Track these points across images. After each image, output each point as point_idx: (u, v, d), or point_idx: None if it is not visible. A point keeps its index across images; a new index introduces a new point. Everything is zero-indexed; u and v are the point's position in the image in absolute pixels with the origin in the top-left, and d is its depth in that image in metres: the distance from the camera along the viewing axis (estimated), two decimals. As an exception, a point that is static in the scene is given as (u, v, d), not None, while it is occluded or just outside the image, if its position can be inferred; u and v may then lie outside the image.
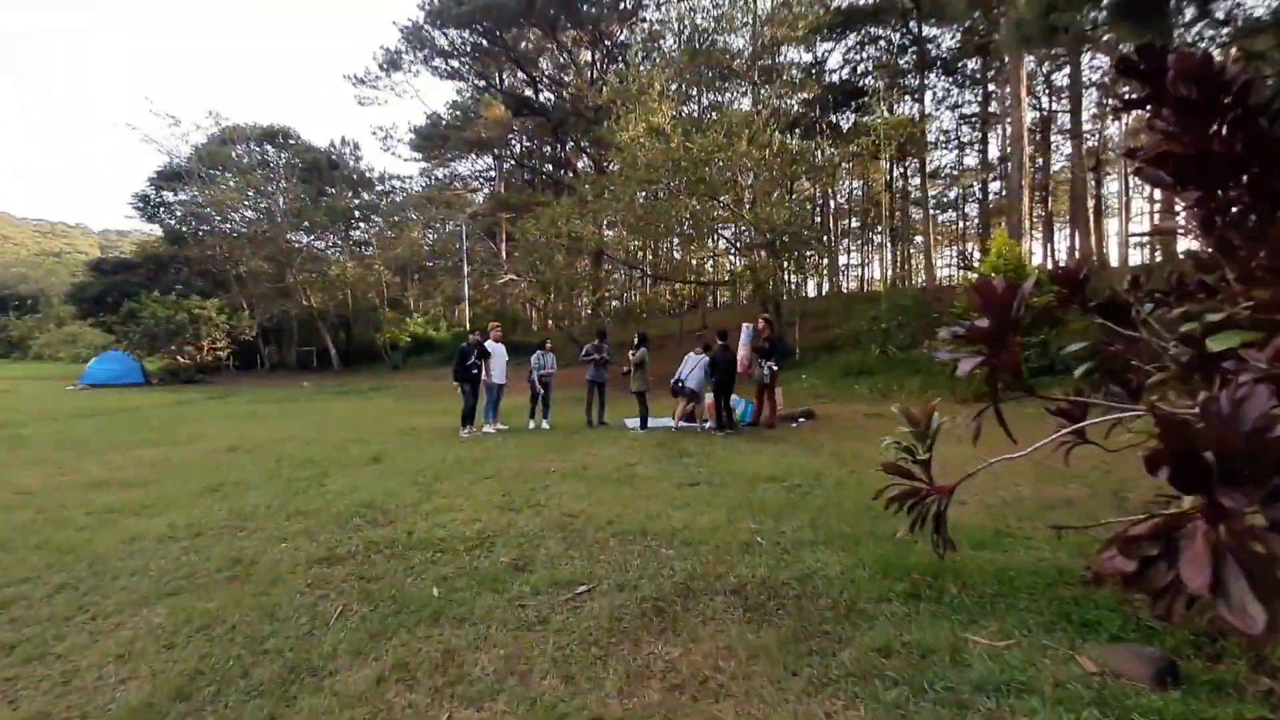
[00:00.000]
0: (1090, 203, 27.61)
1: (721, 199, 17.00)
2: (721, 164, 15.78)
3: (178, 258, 32.80)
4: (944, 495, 3.55)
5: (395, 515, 5.01)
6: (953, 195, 43.80)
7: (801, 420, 10.76)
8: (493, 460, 7.51)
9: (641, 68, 21.09)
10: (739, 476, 6.35)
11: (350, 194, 35.56)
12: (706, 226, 19.69)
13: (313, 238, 32.94)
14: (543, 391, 10.46)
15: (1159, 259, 23.62)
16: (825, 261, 27.13)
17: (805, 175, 19.08)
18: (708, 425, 10.04)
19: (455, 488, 6.00)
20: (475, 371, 9.80)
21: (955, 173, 41.06)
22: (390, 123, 66.67)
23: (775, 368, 9.93)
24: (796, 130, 25.69)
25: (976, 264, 15.62)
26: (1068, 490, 5.67)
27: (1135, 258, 32.63)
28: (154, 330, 25.39)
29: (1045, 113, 34.31)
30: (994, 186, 38.57)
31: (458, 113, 36.52)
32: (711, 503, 5.31)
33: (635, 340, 10.24)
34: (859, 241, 48.35)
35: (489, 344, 10.22)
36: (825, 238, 24.78)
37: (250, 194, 32.88)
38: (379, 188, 39.01)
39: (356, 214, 37.09)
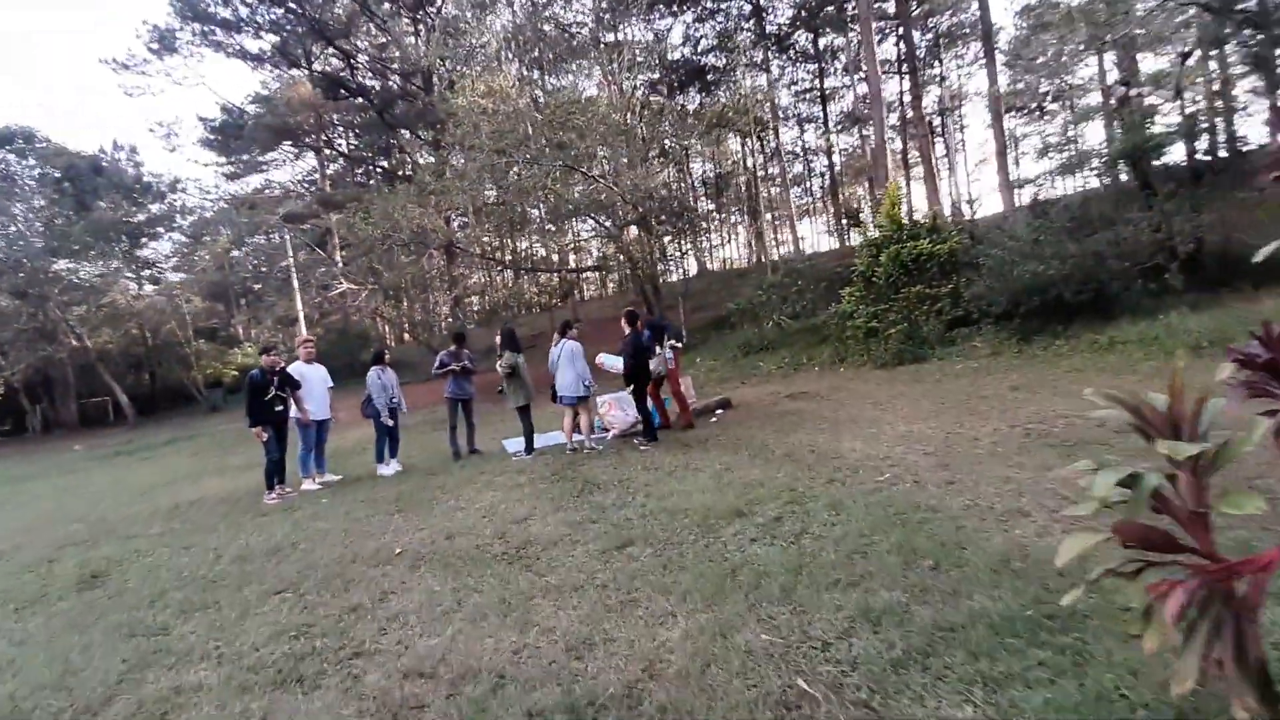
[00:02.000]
0: (935, 162, 28.70)
1: (584, 170, 14.80)
2: (580, 128, 13.59)
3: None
4: (1255, 580, 1.66)
5: (26, 759, 2.35)
6: (797, 170, 44.97)
7: (719, 412, 8.93)
8: (304, 543, 4.84)
9: (472, 38, 18.37)
10: (687, 517, 4.25)
11: (131, 206, 29.05)
12: (567, 208, 17.39)
13: (83, 263, 26.31)
14: (390, 424, 7.73)
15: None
16: (697, 235, 25.90)
17: (668, 140, 17.31)
18: (609, 435, 7.88)
19: (209, 629, 3.36)
20: (279, 409, 6.89)
21: (798, 150, 42.01)
22: (174, 116, 56.62)
23: (678, 344, 7.98)
24: (645, 112, 24.20)
25: (864, 219, 14.78)
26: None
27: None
28: None
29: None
30: (834, 160, 39.94)
31: (262, 107, 31.06)
32: (670, 588, 3.15)
33: (499, 340, 7.77)
34: (715, 221, 48.41)
35: (296, 368, 7.32)
36: (691, 213, 23.28)
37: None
38: (171, 197, 32.53)
39: (145, 229, 30.56)
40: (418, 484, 6.63)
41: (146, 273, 30.63)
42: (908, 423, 6.57)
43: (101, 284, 26.00)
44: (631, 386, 7.33)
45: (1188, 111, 10.47)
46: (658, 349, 7.82)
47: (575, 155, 13.46)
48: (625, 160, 14.73)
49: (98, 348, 26.21)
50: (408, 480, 6.92)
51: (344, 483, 7.32)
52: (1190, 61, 9.75)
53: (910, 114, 27.67)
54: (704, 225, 27.28)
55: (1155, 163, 10.71)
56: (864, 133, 32.32)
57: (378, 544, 4.57)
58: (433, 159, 24.97)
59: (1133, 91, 9.73)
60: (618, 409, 7.97)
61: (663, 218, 15.84)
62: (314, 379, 7.39)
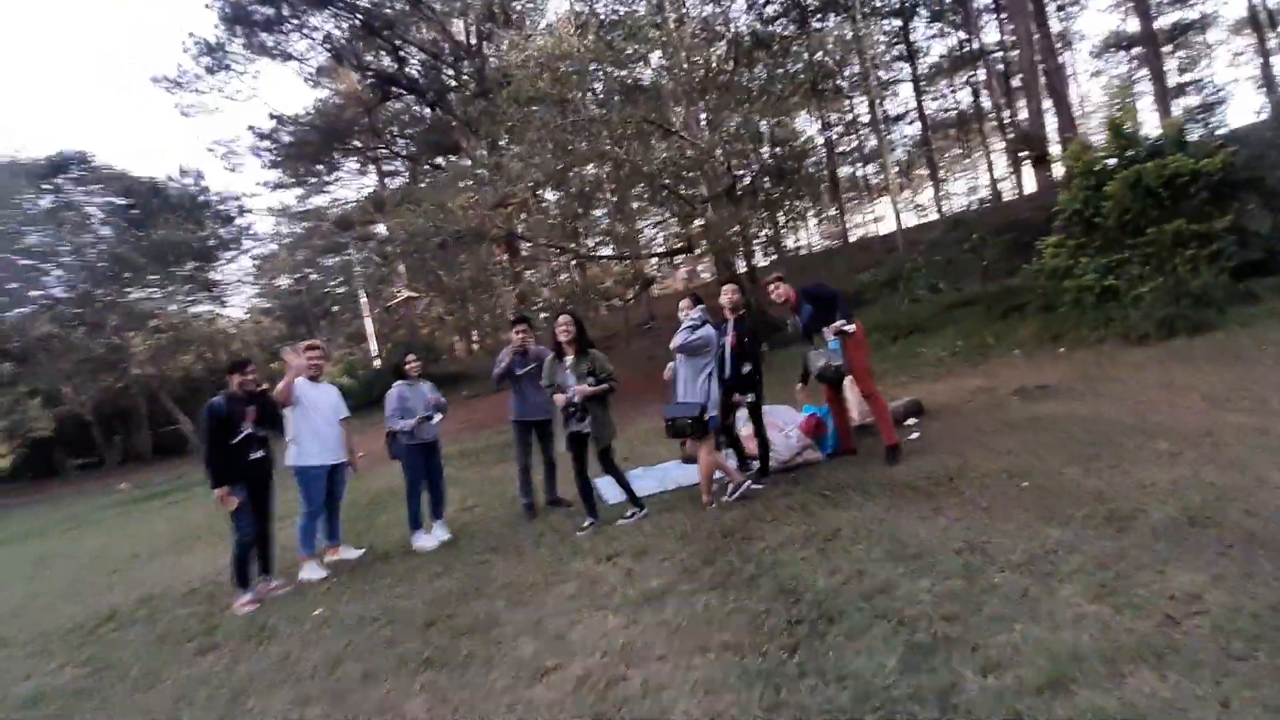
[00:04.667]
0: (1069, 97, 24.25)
1: (664, 126, 11.92)
2: (665, 66, 10.75)
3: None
4: None
5: None
6: (872, 146, 40.64)
7: (913, 422, 5.91)
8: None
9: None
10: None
11: (195, 229, 28.47)
12: (645, 172, 14.51)
13: (143, 288, 25.74)
14: (424, 462, 5.11)
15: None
16: (804, 204, 22.51)
17: (767, 93, 14.10)
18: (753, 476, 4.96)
19: None
20: (258, 455, 4.36)
21: (881, 118, 37.73)
22: (232, 135, 55.60)
23: (849, 329, 4.84)
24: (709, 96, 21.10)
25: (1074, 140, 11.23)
26: None
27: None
28: None
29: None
30: (910, 130, 35.63)
31: (319, 120, 30.06)
32: None
33: (566, 334, 4.58)
34: (793, 200, 44.65)
35: (297, 385, 4.80)
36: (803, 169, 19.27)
37: (62, 246, 25.71)
38: (239, 220, 32.10)
39: (212, 252, 30.04)
40: (469, 575, 3.95)
41: (214, 294, 30.15)
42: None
43: (163, 309, 25.37)
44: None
45: None
46: (828, 335, 4.85)
47: (655, 97, 10.58)
48: (714, 106, 11.76)
49: (161, 374, 25.56)
50: (455, 565, 4.24)
51: (363, 564, 4.77)
52: None
53: (1037, 47, 23.36)
54: (809, 194, 23.85)
55: None
56: (985, 71, 28.04)
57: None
58: (486, 151, 22.76)
59: None
60: (775, 429, 5.07)
61: (765, 181, 12.76)
62: (320, 405, 4.84)
